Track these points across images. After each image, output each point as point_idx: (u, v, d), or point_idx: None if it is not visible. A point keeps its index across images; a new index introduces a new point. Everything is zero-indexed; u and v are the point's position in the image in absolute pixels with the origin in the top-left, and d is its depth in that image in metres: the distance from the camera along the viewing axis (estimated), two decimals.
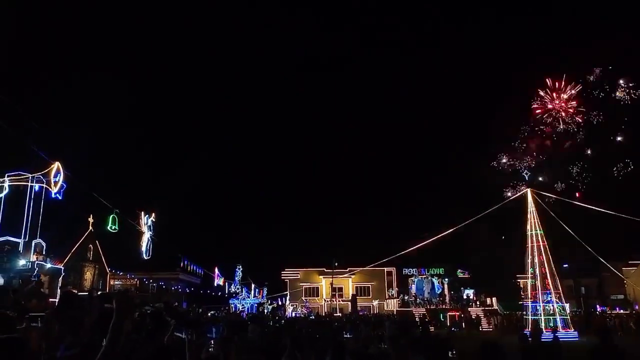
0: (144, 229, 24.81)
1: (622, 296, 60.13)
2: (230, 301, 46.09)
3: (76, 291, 24.17)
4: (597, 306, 55.53)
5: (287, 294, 57.08)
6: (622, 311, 49.76)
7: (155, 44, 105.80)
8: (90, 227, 45.10)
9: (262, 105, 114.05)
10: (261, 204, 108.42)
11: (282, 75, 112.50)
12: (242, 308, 43.35)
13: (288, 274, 59.27)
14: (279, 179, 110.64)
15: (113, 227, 22.59)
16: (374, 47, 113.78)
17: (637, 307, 52.79)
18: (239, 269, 47.80)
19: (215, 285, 46.34)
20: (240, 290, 46.96)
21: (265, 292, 52.58)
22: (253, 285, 49.02)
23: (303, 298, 57.05)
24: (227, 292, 47.97)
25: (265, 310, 41.98)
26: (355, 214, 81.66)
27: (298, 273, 59.31)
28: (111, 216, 22.59)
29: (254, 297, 47.55)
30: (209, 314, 28.46)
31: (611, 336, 5.75)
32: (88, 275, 46.74)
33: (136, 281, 55.27)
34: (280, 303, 55.11)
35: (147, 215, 25.41)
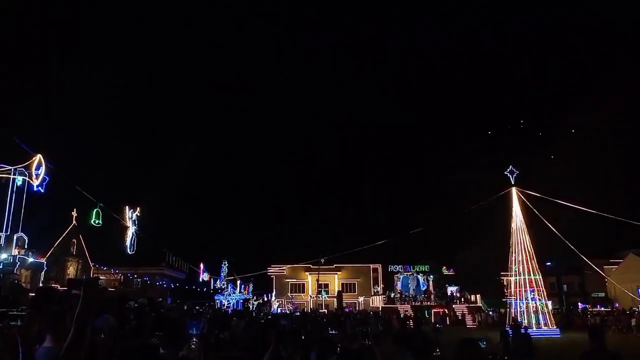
0: (129, 223, 24.51)
1: (603, 294, 61.16)
2: (215, 297, 45.84)
3: (58, 286, 23.85)
4: (579, 304, 56.38)
5: (273, 290, 57.03)
6: (602, 309, 50.62)
7: (142, 36, 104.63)
8: (74, 222, 44.50)
9: (249, 103, 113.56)
10: (249, 201, 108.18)
11: (262, 76, 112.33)
12: (227, 304, 43.16)
13: (274, 270, 59.16)
14: (267, 176, 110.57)
15: (97, 222, 22.25)
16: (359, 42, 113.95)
17: (617, 305, 53.69)
18: (224, 264, 47.55)
19: (201, 280, 46.06)
20: (225, 286, 46.73)
21: (251, 288, 52.42)
22: (239, 281, 48.83)
23: (289, 294, 57.02)
24: (212, 287, 47.72)
25: (251, 306, 41.86)
26: (342, 212, 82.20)
27: (284, 269, 59.25)
28: (95, 210, 22.26)
29: (239, 293, 47.37)
30: (194, 310, 28.27)
31: (604, 338, 5.65)
32: (71, 270, 46.16)
33: (120, 276, 54.75)
34: (266, 299, 55.00)
35: (131, 210, 25.11)
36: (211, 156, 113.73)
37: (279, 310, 48.00)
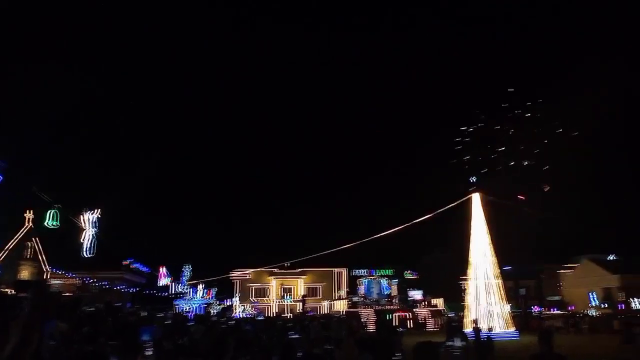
0: (86, 225, 23.75)
1: (558, 297, 63.33)
2: (176, 302, 44.90)
3: (9, 291, 22.78)
4: (535, 307, 58.16)
5: (236, 294, 56.33)
6: (557, 311, 52.44)
7: (104, 33, 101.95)
8: (30, 223, 42.80)
9: (208, 107, 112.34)
10: (214, 204, 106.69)
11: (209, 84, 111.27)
12: (188, 309, 42.34)
13: (238, 274, 58.50)
14: (234, 179, 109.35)
15: (53, 224, 21.47)
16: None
17: (571, 308, 55.73)
18: (186, 268, 46.69)
19: (161, 285, 45.06)
20: (187, 290, 45.86)
21: (214, 292, 51.63)
22: (202, 286, 48.02)
23: (252, 298, 56.47)
24: (173, 292, 46.73)
25: (214, 311, 41.20)
26: (308, 216, 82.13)
27: (248, 273, 58.67)
28: (51, 212, 21.47)
29: (201, 297, 46.56)
30: (147, 315, 27.54)
31: (553, 340, 5.86)
32: (25, 274, 44.28)
33: (78, 280, 52.85)
34: (229, 303, 54.29)
35: (91, 212, 24.34)
36: (175, 159, 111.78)
37: (241, 315, 47.52)
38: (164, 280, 44.24)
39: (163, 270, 44.07)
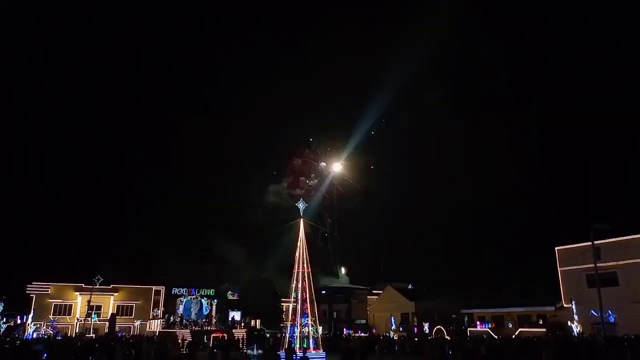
0: None
1: (364, 321, 69.14)
2: None
3: None
4: (345, 329, 62.51)
5: (31, 311, 49.10)
6: (363, 334, 57.10)
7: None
8: None
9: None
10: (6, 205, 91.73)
11: None
12: None
13: (36, 289, 51.22)
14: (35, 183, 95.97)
15: None
16: None
17: (374, 331, 61.24)
18: None
19: None
20: None
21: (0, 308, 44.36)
22: None
23: (51, 316, 49.85)
24: None
25: None
26: (121, 229, 75.44)
27: (48, 288, 51.80)
28: None
29: None
30: None
31: (355, 357, 6.40)
32: None
33: None
34: (20, 321, 47.20)
35: None
36: None
37: (34, 335, 41.92)
38: None
39: None
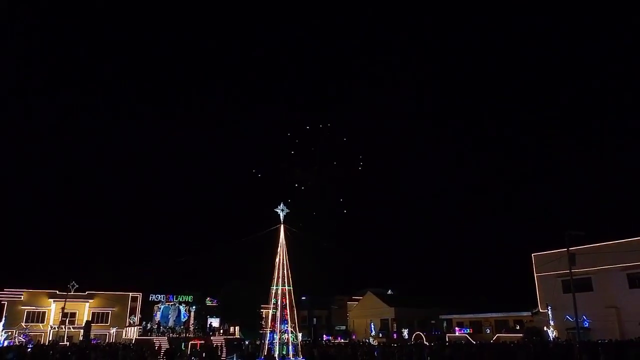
0: None
1: (344, 327, 69.09)
2: None
3: None
4: (324, 335, 62.33)
5: (2, 318, 47.76)
6: (342, 340, 57.02)
7: None
8: None
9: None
10: None
11: None
12: None
13: (8, 295, 49.87)
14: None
15: None
16: None
17: (354, 337, 61.22)
18: None
19: None
20: None
21: None
22: None
23: (24, 324, 48.56)
24: None
25: None
26: (100, 234, 74.41)
27: (21, 294, 50.48)
28: None
29: None
30: None
31: None
32: None
33: None
34: None
35: None
36: None
37: (5, 343, 40.87)
38: None
39: None
